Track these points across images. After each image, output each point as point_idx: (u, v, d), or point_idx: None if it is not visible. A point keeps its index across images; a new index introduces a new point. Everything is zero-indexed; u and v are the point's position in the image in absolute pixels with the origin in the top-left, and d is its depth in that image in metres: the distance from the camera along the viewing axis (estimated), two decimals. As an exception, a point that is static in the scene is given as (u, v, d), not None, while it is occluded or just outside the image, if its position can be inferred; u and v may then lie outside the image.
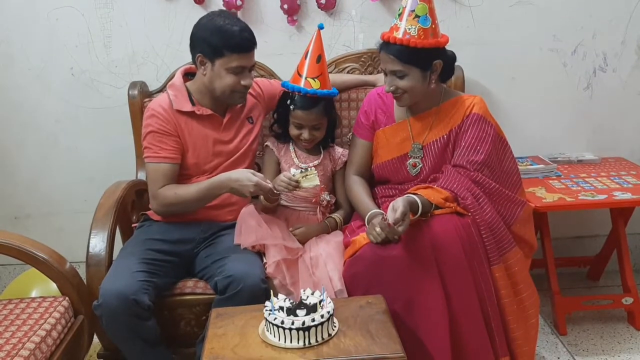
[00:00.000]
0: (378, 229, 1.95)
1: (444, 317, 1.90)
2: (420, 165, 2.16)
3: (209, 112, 2.20)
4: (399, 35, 2.00)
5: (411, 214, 1.91)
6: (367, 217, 2.08)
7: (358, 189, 2.22)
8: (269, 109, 2.41)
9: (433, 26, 2.02)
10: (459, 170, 2.06)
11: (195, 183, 2.15)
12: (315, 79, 2.19)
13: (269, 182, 2.05)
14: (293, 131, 2.25)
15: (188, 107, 2.17)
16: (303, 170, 2.06)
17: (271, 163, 2.32)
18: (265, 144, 2.36)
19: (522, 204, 2.08)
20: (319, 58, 2.21)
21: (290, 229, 2.20)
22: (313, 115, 2.20)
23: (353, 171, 2.27)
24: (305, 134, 2.22)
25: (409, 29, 1.99)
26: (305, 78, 2.19)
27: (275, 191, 2.08)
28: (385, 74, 2.09)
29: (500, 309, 1.98)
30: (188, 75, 2.27)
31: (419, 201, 1.94)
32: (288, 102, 2.22)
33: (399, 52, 2.00)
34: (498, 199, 2.03)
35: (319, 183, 2.07)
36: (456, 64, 2.61)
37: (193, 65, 2.20)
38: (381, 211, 2.07)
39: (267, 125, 2.52)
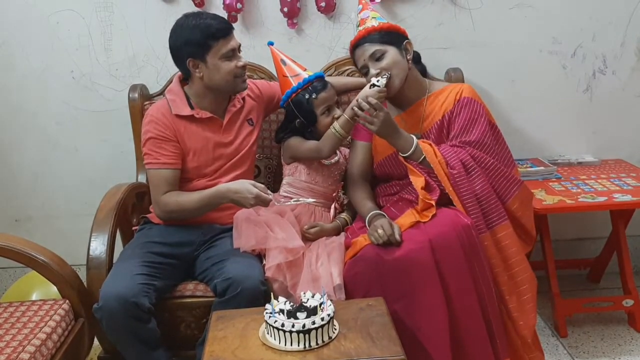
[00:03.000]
0: (380, 231, 1.96)
1: (444, 318, 1.90)
2: None
3: (208, 114, 2.20)
4: (364, 28, 2.14)
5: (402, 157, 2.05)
6: (367, 218, 2.09)
7: (360, 191, 2.24)
8: (268, 110, 2.41)
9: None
10: (455, 147, 2.10)
11: (197, 192, 2.14)
12: (306, 71, 2.28)
13: (270, 193, 2.05)
14: (325, 120, 2.24)
15: (187, 111, 2.18)
16: (381, 77, 2.08)
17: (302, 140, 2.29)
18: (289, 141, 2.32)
19: (518, 183, 2.10)
20: (293, 60, 2.30)
21: (305, 227, 2.20)
22: (332, 90, 2.28)
23: (355, 173, 2.28)
24: (336, 112, 2.25)
25: (372, 24, 2.14)
26: (299, 74, 2.26)
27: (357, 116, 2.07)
28: (366, 73, 2.14)
29: (493, 279, 1.99)
30: (186, 79, 2.26)
31: (414, 137, 2.06)
32: (307, 96, 2.22)
33: (372, 37, 2.12)
34: (494, 175, 2.06)
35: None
36: (456, 66, 2.63)
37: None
38: (382, 212, 2.08)
39: (266, 128, 2.53)
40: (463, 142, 2.08)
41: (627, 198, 2.39)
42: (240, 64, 2.15)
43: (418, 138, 2.14)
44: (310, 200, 2.28)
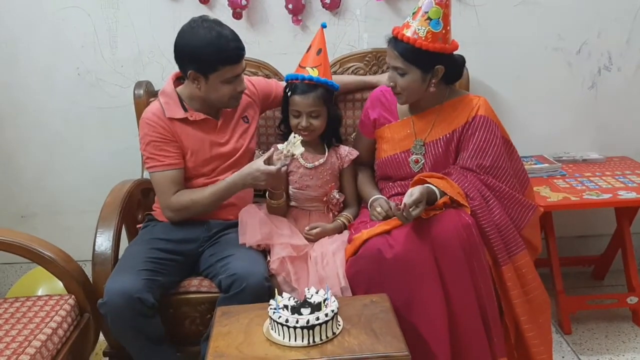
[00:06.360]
0: (379, 209, 2.06)
1: (443, 316, 1.90)
2: (423, 162, 2.17)
3: (202, 116, 2.18)
4: (408, 33, 2.01)
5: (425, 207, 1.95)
6: (369, 203, 2.19)
7: (364, 175, 2.35)
8: (264, 107, 2.39)
9: (444, 32, 2.01)
10: (468, 172, 2.07)
11: (209, 186, 2.15)
12: (314, 68, 2.22)
13: (276, 164, 2.04)
14: (292, 121, 2.24)
15: (180, 113, 2.16)
16: (288, 142, 2.08)
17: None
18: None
19: (533, 208, 2.09)
20: (320, 51, 2.25)
21: (306, 228, 2.21)
22: (310, 100, 2.19)
23: (358, 163, 2.37)
24: (302, 121, 2.20)
25: (419, 29, 2.00)
26: (305, 67, 2.24)
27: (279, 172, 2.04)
28: (389, 68, 2.12)
29: (511, 309, 1.99)
30: (179, 79, 2.23)
31: (437, 191, 1.97)
32: (287, 90, 2.23)
33: (404, 50, 2.03)
34: (509, 203, 2.05)
35: (303, 149, 2.09)
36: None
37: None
38: (383, 196, 2.18)
39: (263, 125, 2.52)
40: (478, 166, 2.06)
41: (632, 195, 2.39)
42: (240, 89, 2.13)
43: (421, 145, 2.16)
44: (303, 205, 2.29)
